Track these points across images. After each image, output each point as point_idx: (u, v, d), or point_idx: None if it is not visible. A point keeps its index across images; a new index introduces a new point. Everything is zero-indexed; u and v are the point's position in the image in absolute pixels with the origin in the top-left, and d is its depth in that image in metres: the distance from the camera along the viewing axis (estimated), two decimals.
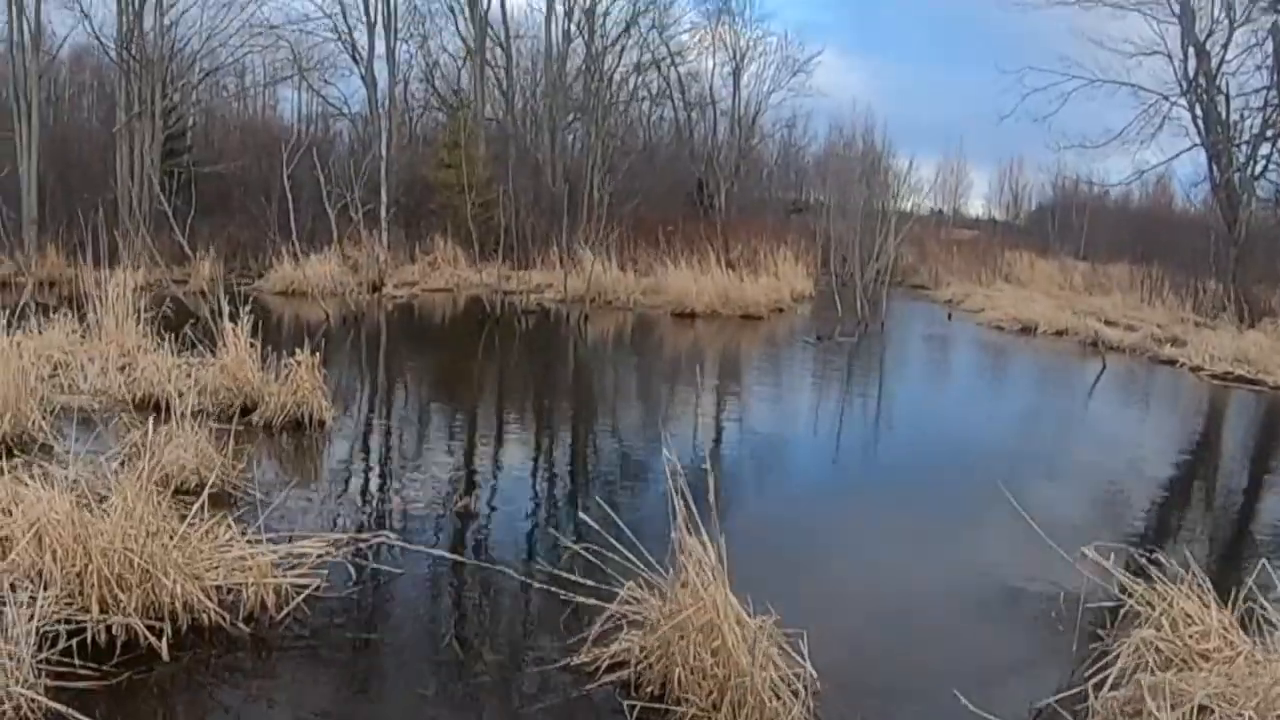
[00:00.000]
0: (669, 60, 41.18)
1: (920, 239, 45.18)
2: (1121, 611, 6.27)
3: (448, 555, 7.20)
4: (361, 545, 6.97)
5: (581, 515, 7.31)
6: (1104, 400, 17.92)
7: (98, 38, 29.06)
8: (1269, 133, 31.01)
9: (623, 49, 36.44)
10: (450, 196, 27.25)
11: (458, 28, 34.22)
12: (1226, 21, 29.96)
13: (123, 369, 11.93)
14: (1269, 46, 29.97)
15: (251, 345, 11.30)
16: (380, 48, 32.35)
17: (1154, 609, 6.07)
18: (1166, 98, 30.75)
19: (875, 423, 14.87)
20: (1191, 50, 30.24)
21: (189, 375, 11.38)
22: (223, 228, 26.80)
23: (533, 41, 36.86)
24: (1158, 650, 5.79)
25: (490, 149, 31.65)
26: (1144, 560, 6.61)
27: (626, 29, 35.46)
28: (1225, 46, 30.16)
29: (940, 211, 65.25)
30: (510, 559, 7.26)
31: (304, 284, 22.63)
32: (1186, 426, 16.90)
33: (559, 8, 33.45)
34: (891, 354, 21.55)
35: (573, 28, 33.82)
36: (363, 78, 32.51)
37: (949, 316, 29.82)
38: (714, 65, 45.18)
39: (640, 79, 39.33)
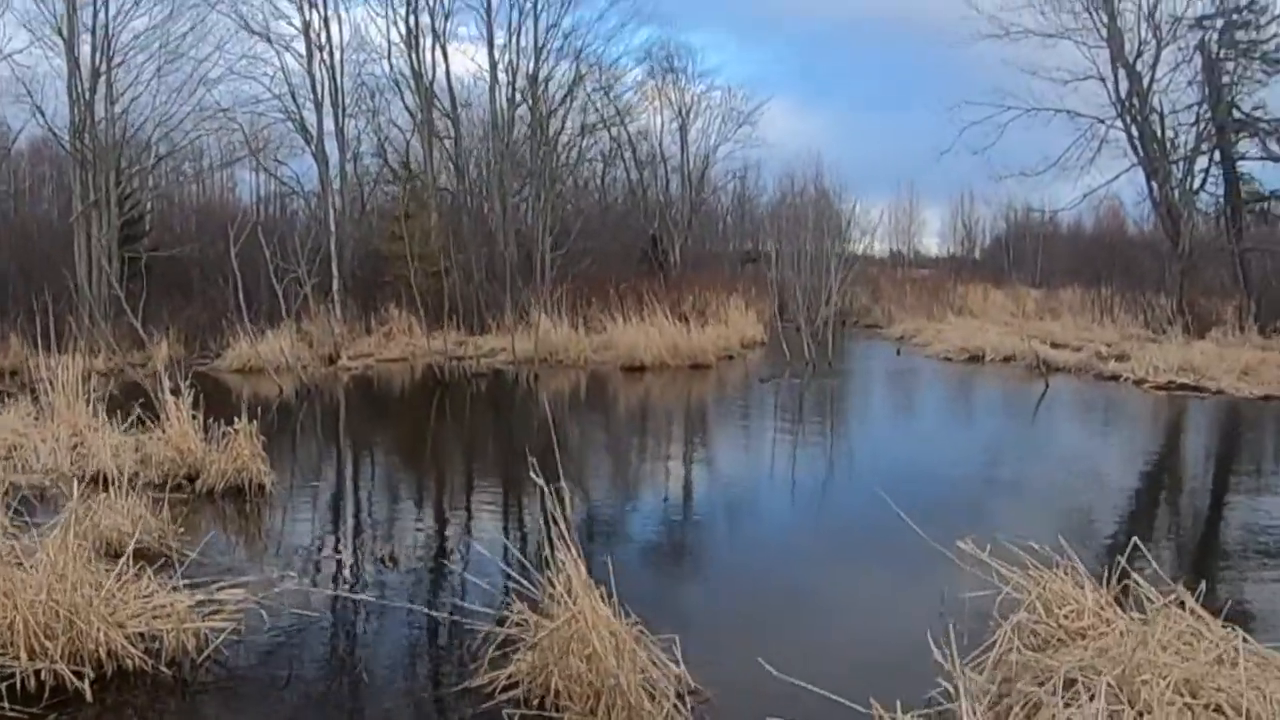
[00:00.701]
0: (617, 120, 42.06)
1: (875, 279, 46.06)
2: (998, 599, 6.47)
3: (364, 598, 7.66)
4: (278, 591, 7.45)
5: (483, 551, 7.89)
6: (1034, 416, 18.66)
7: (51, 130, 29.54)
8: (1204, 147, 32.00)
9: (567, 113, 37.13)
10: (403, 267, 27.72)
11: (404, 101, 34.84)
12: (1154, 41, 31.08)
13: (74, 447, 12.38)
14: (1198, 62, 30.98)
15: (194, 418, 11.83)
16: (329, 125, 33.03)
17: (1030, 593, 6.38)
18: (1102, 121, 31.81)
19: (800, 453, 15.33)
20: (1122, 72, 31.29)
21: (136, 450, 11.90)
22: (181, 310, 27.26)
23: (481, 110, 37.51)
24: (1034, 633, 6.12)
25: (443, 218, 32.18)
26: (1018, 549, 6.76)
27: (570, 93, 36.15)
28: (1154, 66, 31.32)
29: (900, 252, 66.27)
30: (425, 598, 7.77)
31: (260, 361, 22.95)
32: (1109, 434, 17.69)
33: (502, 76, 34.14)
34: (834, 390, 22.10)
35: (517, 95, 34.46)
36: (314, 155, 33.07)
37: (898, 352, 30.53)
38: (662, 123, 46.20)
39: (586, 141, 40.12)
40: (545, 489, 6.36)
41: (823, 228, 32.75)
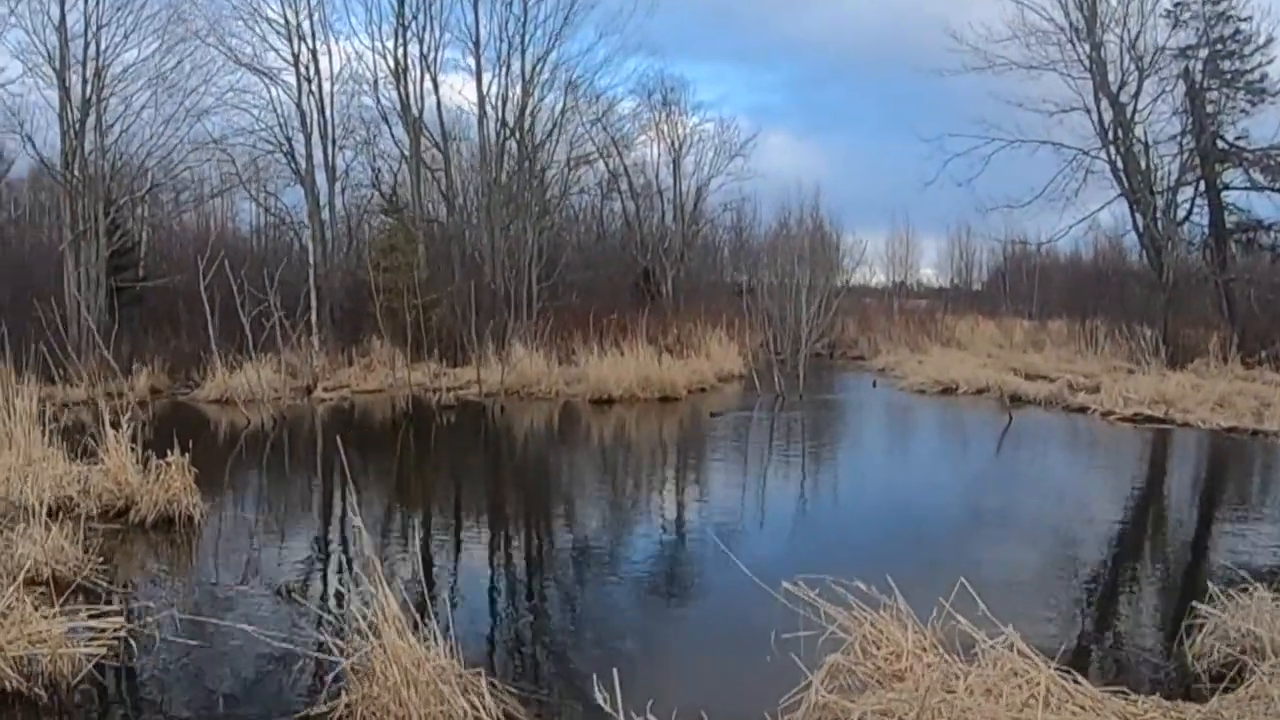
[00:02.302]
0: (611, 151, 42.62)
1: (864, 311, 46.26)
2: (820, 640, 6.44)
3: (245, 628, 7.69)
4: (163, 618, 7.80)
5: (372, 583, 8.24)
6: (973, 451, 19.22)
7: (40, 160, 29.97)
8: (1188, 177, 32.14)
9: (555, 146, 37.50)
10: (388, 299, 28.05)
11: (392, 133, 35.29)
12: (1136, 72, 31.19)
13: (25, 477, 12.76)
14: (1181, 92, 31.24)
15: (133, 449, 12.22)
16: (319, 156, 33.56)
17: (853, 635, 6.39)
18: (1086, 152, 31.80)
19: (710, 494, 15.30)
20: (1106, 102, 31.36)
21: (82, 480, 12.28)
22: (169, 340, 27.70)
23: (472, 142, 37.82)
24: (852, 673, 6.15)
25: (430, 249, 32.51)
26: (843, 589, 6.74)
27: (558, 125, 36.53)
28: (1136, 96, 31.40)
29: (902, 283, 66.41)
30: (302, 628, 8.01)
31: (236, 391, 23.20)
32: (1051, 468, 17.79)
33: (490, 110, 34.53)
34: (792, 424, 22.19)
35: (506, 127, 34.82)
36: (303, 186, 33.49)
37: (874, 384, 30.65)
38: (658, 155, 46.76)
39: (579, 172, 40.58)
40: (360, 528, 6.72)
41: (817, 259, 32.99)
